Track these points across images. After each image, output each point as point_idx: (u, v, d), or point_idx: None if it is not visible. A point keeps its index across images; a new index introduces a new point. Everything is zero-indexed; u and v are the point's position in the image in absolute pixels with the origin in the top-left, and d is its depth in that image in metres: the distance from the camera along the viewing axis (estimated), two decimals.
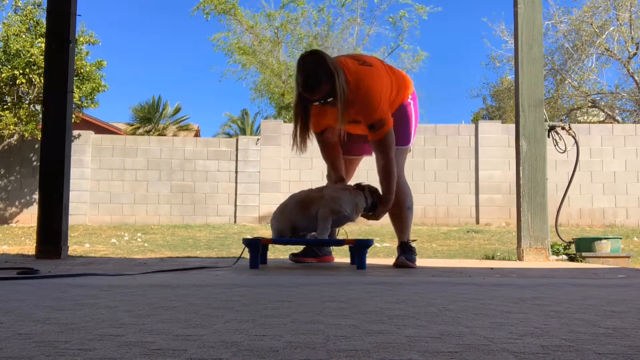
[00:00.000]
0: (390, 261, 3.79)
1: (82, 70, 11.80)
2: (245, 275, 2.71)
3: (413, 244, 3.54)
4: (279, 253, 5.46)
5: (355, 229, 10.57)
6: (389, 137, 3.23)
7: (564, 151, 4.72)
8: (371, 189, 3.37)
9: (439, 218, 11.81)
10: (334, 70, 3.04)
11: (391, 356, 0.90)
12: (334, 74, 3.03)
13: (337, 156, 3.50)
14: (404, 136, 3.49)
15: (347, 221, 3.39)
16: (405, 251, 3.45)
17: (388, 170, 3.28)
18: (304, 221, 3.33)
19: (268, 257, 3.71)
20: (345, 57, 3.30)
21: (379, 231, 10.08)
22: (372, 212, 3.37)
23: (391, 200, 3.31)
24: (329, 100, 3.08)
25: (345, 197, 3.29)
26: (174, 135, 20.93)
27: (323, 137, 3.43)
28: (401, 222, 3.49)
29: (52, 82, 4.35)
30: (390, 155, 3.25)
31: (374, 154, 3.40)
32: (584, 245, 5.72)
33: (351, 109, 3.13)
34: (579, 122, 18.02)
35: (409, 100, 3.49)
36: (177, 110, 24.17)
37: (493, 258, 5.19)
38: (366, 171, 4.70)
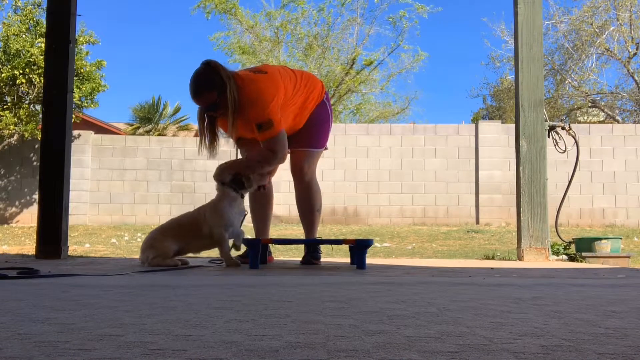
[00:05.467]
0: (391, 261, 3.79)
1: (82, 70, 11.79)
2: (245, 275, 2.71)
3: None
4: (279, 253, 5.46)
5: (356, 229, 10.57)
6: (277, 139, 3.29)
7: (564, 151, 4.72)
8: (230, 173, 3.31)
9: (439, 218, 11.81)
10: (225, 79, 3.17)
11: (391, 356, 0.90)
12: (225, 82, 3.16)
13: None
14: (321, 138, 3.63)
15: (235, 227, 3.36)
16: (311, 250, 3.60)
17: (266, 161, 3.36)
18: (197, 241, 3.34)
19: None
20: (242, 70, 3.48)
21: (379, 231, 10.09)
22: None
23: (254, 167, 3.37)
24: (219, 111, 3.24)
25: (226, 208, 3.27)
26: (174, 135, 20.91)
27: (240, 145, 3.60)
28: (310, 222, 3.66)
29: (52, 82, 4.35)
30: (275, 155, 3.32)
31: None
32: (584, 245, 5.72)
33: (243, 114, 3.23)
34: (579, 122, 18.01)
35: (323, 100, 3.60)
36: (177, 110, 24.16)
37: (493, 258, 5.18)
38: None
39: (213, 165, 13.40)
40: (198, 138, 3.44)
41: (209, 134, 3.36)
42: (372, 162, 11.82)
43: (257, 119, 3.22)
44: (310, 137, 3.56)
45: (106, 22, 51.59)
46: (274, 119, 3.22)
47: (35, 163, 11.82)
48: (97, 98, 12.33)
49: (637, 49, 17.88)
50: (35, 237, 4.43)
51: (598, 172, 11.64)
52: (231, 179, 3.27)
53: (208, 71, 3.21)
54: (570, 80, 18.70)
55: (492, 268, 3.47)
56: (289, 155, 3.53)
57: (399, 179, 11.77)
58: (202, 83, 3.20)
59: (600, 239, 5.79)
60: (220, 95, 3.17)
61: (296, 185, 3.66)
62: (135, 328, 1.14)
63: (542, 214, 4.27)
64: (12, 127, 11.16)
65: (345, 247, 3.72)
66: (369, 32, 18.42)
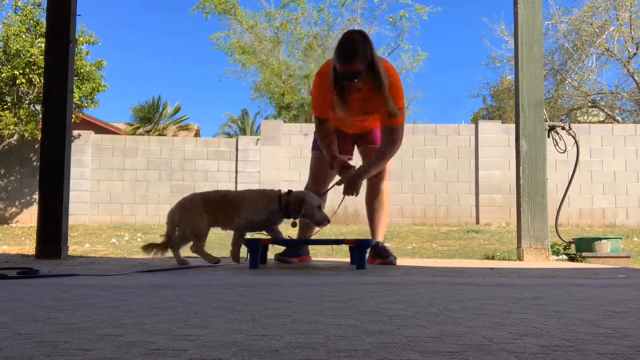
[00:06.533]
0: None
1: (82, 70, 11.80)
2: (245, 275, 2.71)
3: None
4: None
5: (356, 229, 10.57)
6: (403, 127, 3.42)
7: (564, 151, 4.72)
8: (285, 196, 3.35)
9: (439, 218, 11.81)
10: (372, 54, 3.15)
11: (391, 356, 0.90)
12: (374, 58, 3.15)
13: (334, 141, 3.57)
14: None
15: (263, 228, 3.41)
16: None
17: (388, 152, 3.43)
18: (224, 219, 3.40)
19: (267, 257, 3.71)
20: None
21: None
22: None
23: (363, 177, 3.43)
24: (356, 80, 3.15)
25: (264, 203, 3.32)
26: (174, 135, 20.92)
27: (325, 124, 3.51)
28: (385, 224, 3.75)
29: (52, 82, 4.35)
30: (396, 145, 3.40)
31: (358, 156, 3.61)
32: (584, 245, 5.72)
33: (379, 95, 3.23)
34: (579, 122, 18.01)
35: None
36: (177, 110, 24.19)
37: (493, 258, 5.18)
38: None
39: (213, 165, 13.41)
40: (312, 104, 3.39)
41: (328, 105, 3.31)
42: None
43: (399, 103, 3.29)
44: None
45: (106, 22, 51.60)
46: (404, 108, 3.36)
47: (35, 163, 11.82)
48: (97, 98, 12.35)
49: (637, 49, 17.88)
50: (35, 237, 4.43)
51: (598, 172, 11.64)
52: (288, 202, 3.30)
53: (365, 41, 3.16)
54: (570, 80, 18.70)
55: (492, 268, 3.47)
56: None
57: (399, 178, 11.77)
58: (359, 50, 3.11)
59: (600, 239, 5.79)
60: (369, 68, 3.14)
61: (374, 185, 3.67)
62: (135, 328, 1.14)
63: (542, 214, 4.27)
64: (12, 127, 11.16)
65: (345, 247, 3.72)
66: (369, 32, 18.40)
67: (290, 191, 3.37)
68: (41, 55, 10.49)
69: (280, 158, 12.09)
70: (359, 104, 3.32)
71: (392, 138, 3.38)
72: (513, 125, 4.81)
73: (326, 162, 3.54)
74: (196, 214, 3.33)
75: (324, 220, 3.32)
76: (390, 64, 3.48)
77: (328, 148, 3.52)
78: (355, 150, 3.84)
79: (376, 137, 3.63)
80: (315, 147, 3.73)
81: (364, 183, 3.51)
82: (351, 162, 3.62)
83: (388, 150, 3.41)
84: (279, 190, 3.40)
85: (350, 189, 3.40)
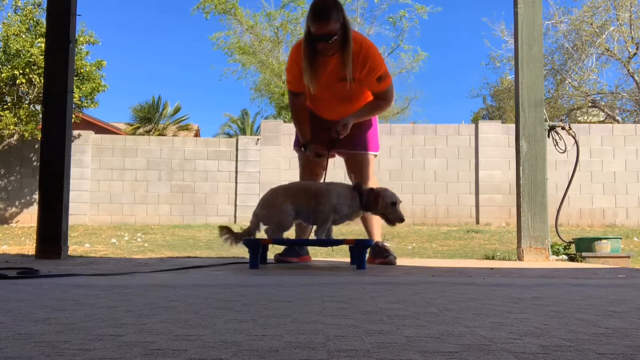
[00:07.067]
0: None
1: (82, 70, 11.80)
2: (245, 275, 2.71)
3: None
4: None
5: (356, 229, 10.57)
6: (391, 88, 3.51)
7: (564, 151, 4.72)
8: (366, 190, 3.35)
9: (439, 218, 11.81)
10: (344, 17, 3.22)
11: (391, 356, 0.90)
12: (346, 20, 3.22)
13: (307, 120, 3.60)
14: (374, 140, 3.71)
15: (344, 221, 3.40)
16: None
17: (378, 107, 3.52)
18: (307, 211, 3.31)
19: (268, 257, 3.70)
20: None
21: None
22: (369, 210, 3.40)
23: (352, 122, 3.45)
24: (331, 40, 3.18)
25: (347, 197, 3.29)
26: (174, 135, 20.92)
27: (298, 98, 3.54)
28: (378, 225, 3.76)
29: (52, 82, 4.35)
30: (389, 103, 3.53)
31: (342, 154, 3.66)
32: (584, 245, 5.72)
33: (355, 67, 3.28)
34: (579, 122, 18.02)
35: None
36: (177, 110, 24.19)
37: (493, 258, 5.18)
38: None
39: (213, 165, 13.41)
40: (303, 71, 3.32)
41: (310, 66, 3.30)
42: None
43: (379, 69, 3.36)
44: (368, 140, 3.66)
45: (106, 22, 51.57)
46: (387, 71, 3.44)
47: (35, 163, 11.83)
48: (97, 98, 12.34)
49: (637, 49, 17.88)
50: (35, 237, 4.43)
51: (598, 172, 11.64)
52: (368, 193, 3.31)
53: (336, 3, 3.23)
54: (570, 80, 18.70)
55: (492, 268, 3.47)
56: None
57: (399, 178, 11.77)
58: (331, 10, 3.17)
59: (600, 239, 5.79)
60: (342, 31, 3.19)
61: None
62: (135, 328, 1.14)
63: (542, 214, 4.27)
64: (12, 127, 11.17)
65: (345, 247, 3.72)
66: (369, 32, 18.44)
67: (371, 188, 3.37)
68: (41, 55, 10.49)
69: (280, 158, 12.09)
70: (330, 71, 3.35)
71: (383, 97, 3.49)
72: (513, 125, 4.81)
73: (302, 104, 3.56)
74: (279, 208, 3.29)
75: (396, 220, 3.35)
76: (363, 36, 3.54)
77: (301, 126, 3.55)
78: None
79: (359, 141, 3.63)
80: (297, 144, 3.73)
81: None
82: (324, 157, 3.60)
83: (382, 104, 3.52)
84: (358, 183, 3.37)
85: (344, 129, 3.40)
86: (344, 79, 3.33)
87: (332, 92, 3.45)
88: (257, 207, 3.39)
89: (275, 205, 3.27)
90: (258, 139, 12.28)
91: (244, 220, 11.92)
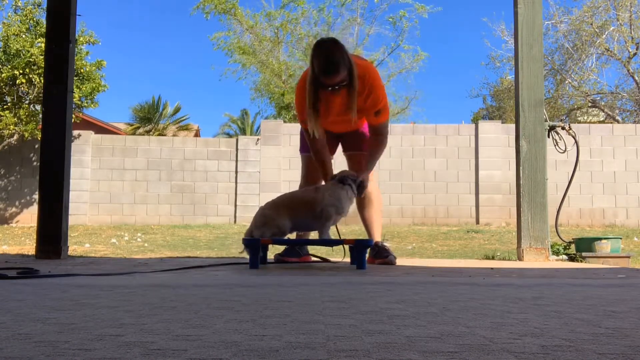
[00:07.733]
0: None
1: (82, 70, 11.79)
2: (245, 275, 2.71)
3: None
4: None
5: (356, 229, 10.57)
6: (387, 123, 3.55)
7: (564, 151, 4.72)
8: (352, 177, 3.40)
9: (439, 218, 11.81)
10: (349, 60, 3.19)
11: (391, 356, 0.90)
12: (351, 63, 3.19)
13: (329, 159, 3.62)
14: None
15: (342, 217, 3.43)
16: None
17: (379, 149, 3.55)
18: (306, 220, 3.36)
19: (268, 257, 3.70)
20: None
21: None
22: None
23: (367, 176, 3.51)
24: (337, 87, 3.21)
25: (344, 195, 3.33)
26: (174, 135, 20.92)
27: (317, 140, 3.52)
28: (379, 225, 3.74)
29: (52, 82, 4.35)
30: (386, 138, 3.55)
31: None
32: (584, 245, 5.72)
33: (359, 98, 3.29)
34: (579, 122, 18.02)
35: None
36: (177, 110, 24.20)
37: (493, 258, 5.18)
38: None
39: (213, 165, 13.42)
40: (306, 116, 3.34)
41: (315, 112, 3.31)
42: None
43: (380, 103, 3.36)
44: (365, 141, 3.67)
45: (106, 23, 51.59)
46: (386, 104, 3.43)
47: (35, 163, 11.82)
48: (97, 98, 12.33)
49: (637, 49, 17.88)
50: (35, 237, 4.43)
51: (598, 172, 11.64)
52: (353, 180, 3.37)
53: (340, 50, 3.19)
54: (570, 80, 18.70)
55: (492, 268, 3.47)
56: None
57: (399, 178, 11.77)
58: (340, 61, 3.14)
59: (600, 239, 5.80)
60: (349, 75, 3.18)
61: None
62: (135, 328, 1.14)
63: (542, 214, 4.27)
64: (12, 127, 11.16)
65: (345, 247, 3.72)
66: (369, 32, 18.43)
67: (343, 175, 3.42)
68: (41, 55, 10.49)
69: (280, 158, 12.09)
70: (334, 106, 3.35)
71: (380, 131, 3.50)
72: (513, 125, 4.81)
73: (322, 141, 3.56)
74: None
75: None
76: (366, 61, 3.51)
77: (322, 165, 3.56)
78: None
79: (361, 141, 3.65)
80: (303, 149, 3.75)
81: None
82: (332, 160, 3.66)
83: (381, 140, 3.53)
84: (343, 176, 3.40)
85: (362, 189, 3.48)
86: (348, 110, 3.36)
87: (336, 115, 3.47)
88: (251, 226, 3.38)
89: (269, 223, 3.30)
90: (258, 139, 12.28)
91: (244, 221, 11.93)
